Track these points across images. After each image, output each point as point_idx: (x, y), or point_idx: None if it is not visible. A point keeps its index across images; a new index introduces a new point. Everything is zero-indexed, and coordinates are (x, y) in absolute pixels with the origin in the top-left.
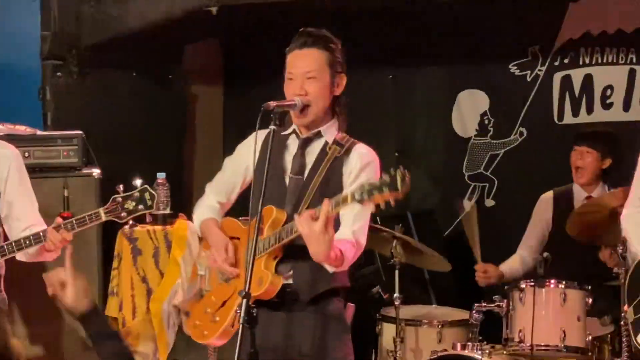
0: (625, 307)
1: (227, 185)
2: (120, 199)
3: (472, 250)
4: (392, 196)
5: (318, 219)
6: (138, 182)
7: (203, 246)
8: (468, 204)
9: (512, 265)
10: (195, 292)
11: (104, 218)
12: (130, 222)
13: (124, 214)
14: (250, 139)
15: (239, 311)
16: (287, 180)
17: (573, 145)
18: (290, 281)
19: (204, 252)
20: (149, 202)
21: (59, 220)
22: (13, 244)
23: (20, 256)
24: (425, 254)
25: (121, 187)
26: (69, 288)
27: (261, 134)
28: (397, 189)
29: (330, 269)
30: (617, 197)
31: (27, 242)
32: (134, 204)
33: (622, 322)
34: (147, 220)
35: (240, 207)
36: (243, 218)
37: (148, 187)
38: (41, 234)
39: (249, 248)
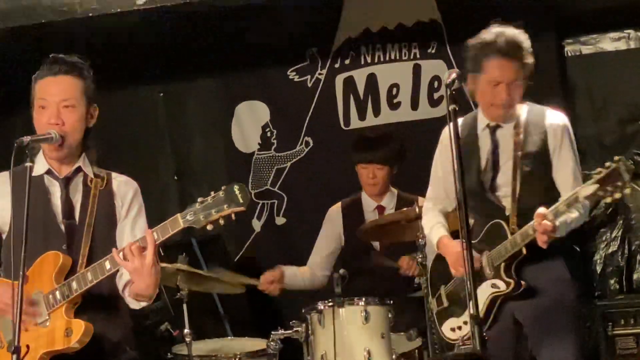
0: (431, 299)
1: None
2: None
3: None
4: (234, 211)
5: (146, 251)
6: None
7: None
8: (258, 224)
9: (299, 272)
10: None
11: None
12: None
13: None
14: None
15: None
16: (61, 226)
17: (358, 163)
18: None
19: None
20: None
21: None
22: None
23: None
24: (216, 280)
25: None
26: None
27: (1, 179)
28: (240, 203)
29: (139, 305)
30: (409, 214)
31: None
32: None
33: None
34: None
35: None
36: None
37: None
38: None
39: (42, 299)
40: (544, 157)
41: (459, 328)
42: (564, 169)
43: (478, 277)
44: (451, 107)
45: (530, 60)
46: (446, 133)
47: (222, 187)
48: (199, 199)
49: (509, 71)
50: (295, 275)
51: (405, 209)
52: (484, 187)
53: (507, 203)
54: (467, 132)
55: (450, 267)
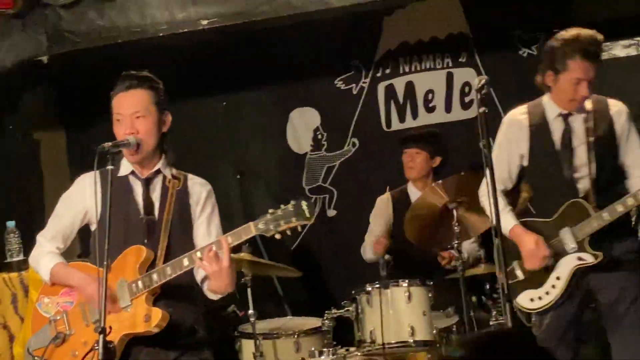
0: (498, 273)
1: (65, 231)
2: None
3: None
4: (300, 224)
5: (222, 256)
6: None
7: (43, 292)
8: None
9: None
10: (52, 337)
11: None
12: None
13: None
14: (82, 183)
15: (97, 347)
16: (141, 222)
17: (403, 149)
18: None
19: (46, 298)
20: None
21: None
22: None
23: None
24: (276, 267)
25: None
26: None
27: (89, 178)
28: (307, 217)
29: (216, 297)
30: (436, 192)
31: None
32: None
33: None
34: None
35: None
36: (83, 260)
37: None
38: None
39: (126, 287)
40: (612, 142)
41: (540, 298)
42: (633, 151)
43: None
44: (481, 109)
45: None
46: (508, 117)
47: (292, 202)
48: (270, 210)
49: (591, 71)
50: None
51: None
52: (561, 169)
53: (583, 184)
54: (536, 119)
55: (524, 259)
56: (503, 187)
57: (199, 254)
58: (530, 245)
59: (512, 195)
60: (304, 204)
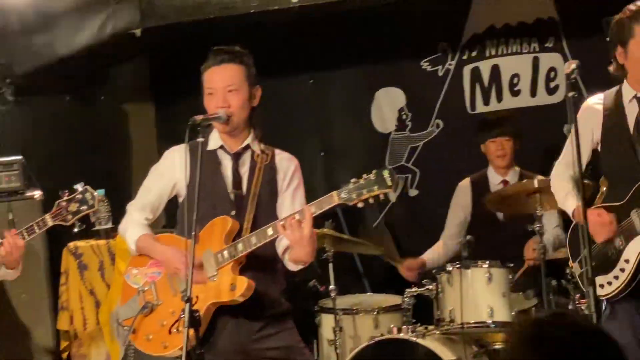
0: (571, 263)
1: (154, 202)
2: (64, 203)
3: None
4: (382, 192)
5: (305, 225)
6: (78, 185)
7: (131, 264)
8: (394, 195)
9: (434, 251)
10: (140, 307)
11: (50, 223)
12: (77, 226)
13: (69, 216)
14: (172, 156)
15: (182, 315)
16: (230, 195)
17: (489, 138)
18: None
19: (135, 269)
20: (91, 202)
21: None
22: None
23: None
24: (358, 243)
25: (66, 192)
26: None
27: (178, 151)
28: (388, 186)
29: (297, 268)
30: (528, 187)
31: None
32: (77, 205)
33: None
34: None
35: None
36: (167, 231)
37: (89, 188)
38: None
39: (212, 257)
40: None
41: (609, 283)
42: None
43: (625, 234)
44: (571, 93)
45: None
46: (585, 104)
47: (374, 171)
48: (352, 180)
49: None
50: (434, 259)
51: (525, 181)
52: (634, 153)
53: None
54: (611, 104)
55: (592, 235)
56: (571, 172)
57: (282, 223)
58: (594, 217)
59: (591, 190)
60: (385, 172)
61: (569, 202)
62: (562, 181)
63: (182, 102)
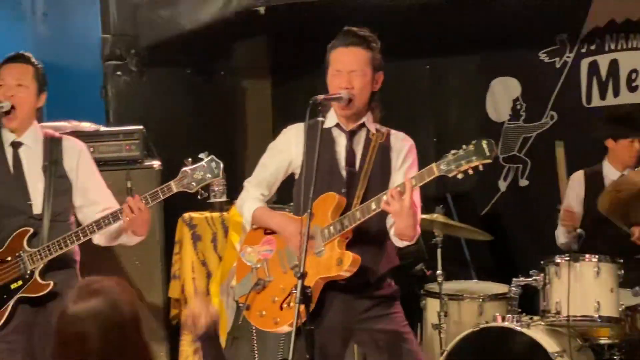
0: None
1: (270, 179)
2: (189, 171)
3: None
4: (481, 163)
5: (404, 195)
6: (203, 154)
7: (246, 242)
8: (504, 185)
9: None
10: (253, 284)
11: (175, 189)
12: (200, 194)
13: (193, 184)
14: (290, 134)
15: (294, 291)
16: (342, 172)
17: (617, 137)
18: None
19: (249, 247)
20: (216, 171)
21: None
22: (93, 224)
23: (101, 239)
24: (467, 229)
25: (190, 160)
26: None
27: (295, 129)
28: (487, 156)
29: (403, 244)
30: None
31: (106, 220)
32: (202, 173)
33: None
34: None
35: None
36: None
37: (214, 157)
38: (119, 212)
39: (319, 232)
40: None
41: None
42: None
43: None
44: None
45: None
46: None
47: (472, 142)
48: (452, 151)
49: None
50: None
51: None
52: None
53: None
54: None
55: None
56: None
57: (385, 197)
58: None
59: None
60: (484, 142)
61: None
62: None
63: (299, 80)
